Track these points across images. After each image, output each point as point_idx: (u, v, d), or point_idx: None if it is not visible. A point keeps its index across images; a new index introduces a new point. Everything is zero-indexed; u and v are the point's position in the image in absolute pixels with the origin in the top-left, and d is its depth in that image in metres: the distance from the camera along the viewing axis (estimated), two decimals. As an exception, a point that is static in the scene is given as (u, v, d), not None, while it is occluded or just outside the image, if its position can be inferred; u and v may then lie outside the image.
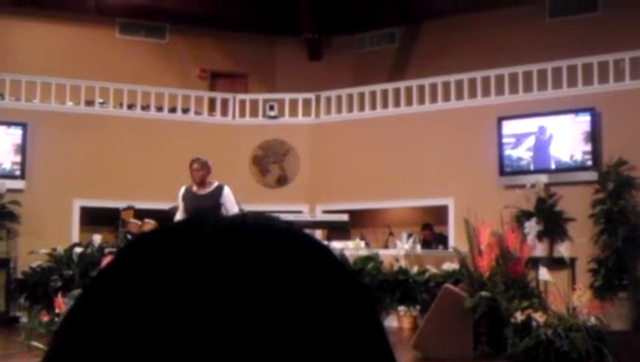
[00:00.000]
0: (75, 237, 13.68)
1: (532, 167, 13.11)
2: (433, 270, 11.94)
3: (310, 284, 0.52)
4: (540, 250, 11.43)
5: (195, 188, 8.87)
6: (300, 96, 15.74)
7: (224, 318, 0.49)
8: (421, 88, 14.66)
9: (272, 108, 15.65)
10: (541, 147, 13.11)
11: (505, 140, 13.35)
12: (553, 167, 12.94)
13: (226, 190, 8.95)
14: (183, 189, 9.04)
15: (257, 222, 0.56)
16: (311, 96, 15.72)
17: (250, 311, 0.50)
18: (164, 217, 10.61)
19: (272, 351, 0.49)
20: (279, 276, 0.52)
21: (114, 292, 0.53)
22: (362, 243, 13.24)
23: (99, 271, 0.56)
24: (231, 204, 8.94)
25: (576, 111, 12.78)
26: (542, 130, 13.11)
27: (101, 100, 14.75)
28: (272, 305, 0.50)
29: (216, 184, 8.99)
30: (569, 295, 8.02)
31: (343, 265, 0.56)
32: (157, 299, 0.51)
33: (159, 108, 15.19)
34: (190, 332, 0.49)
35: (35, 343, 6.90)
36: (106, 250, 12.00)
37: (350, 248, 12.51)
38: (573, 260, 10.33)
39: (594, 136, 12.61)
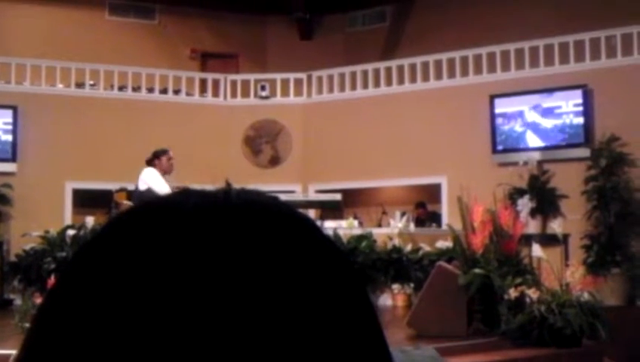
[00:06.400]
0: (68, 219, 13.66)
1: (525, 145, 13.12)
2: (427, 248, 11.96)
3: (297, 259, 0.51)
4: (532, 226, 11.45)
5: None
6: (292, 76, 15.68)
7: (205, 295, 0.48)
8: (413, 67, 14.62)
9: (263, 88, 15.60)
10: (533, 124, 13.12)
11: (497, 118, 13.36)
12: (546, 144, 12.95)
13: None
14: (158, 174, 9.16)
15: (242, 198, 0.54)
16: (302, 75, 15.66)
17: (234, 289, 0.48)
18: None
19: (260, 328, 0.48)
20: (265, 252, 0.50)
21: (93, 274, 0.51)
22: (356, 223, 13.25)
23: (79, 249, 0.54)
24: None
25: (569, 88, 12.78)
26: (534, 107, 13.11)
27: (92, 82, 14.67)
28: (258, 282, 0.49)
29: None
30: (562, 271, 8.04)
31: (329, 238, 0.55)
32: (138, 277, 0.49)
33: (150, 90, 15.12)
34: (175, 312, 0.48)
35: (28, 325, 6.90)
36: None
37: (344, 227, 12.51)
38: (566, 237, 10.33)
39: (586, 113, 12.62)
